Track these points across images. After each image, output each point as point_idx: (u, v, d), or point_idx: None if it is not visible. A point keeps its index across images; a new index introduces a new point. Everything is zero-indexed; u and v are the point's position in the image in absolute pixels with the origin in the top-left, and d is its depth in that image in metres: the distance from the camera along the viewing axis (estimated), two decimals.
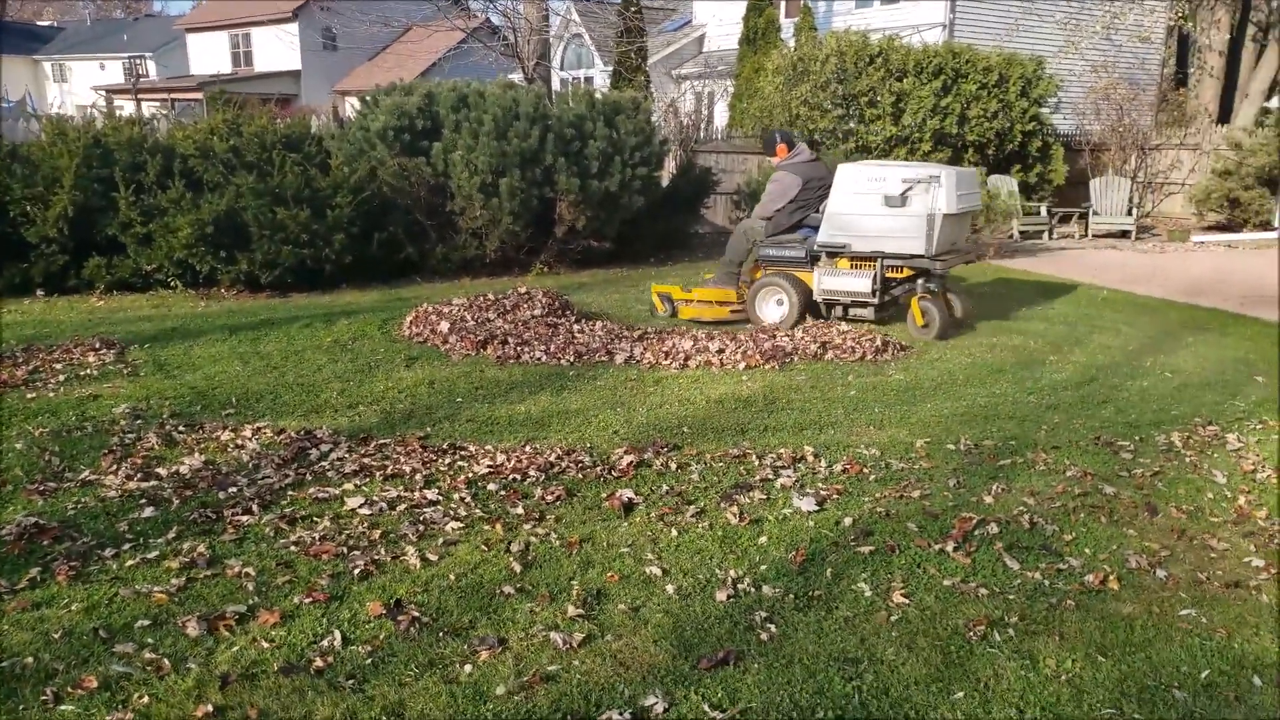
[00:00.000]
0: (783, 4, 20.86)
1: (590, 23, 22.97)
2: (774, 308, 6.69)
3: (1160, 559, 3.22)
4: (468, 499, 3.60)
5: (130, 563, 3.03)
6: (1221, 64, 16.65)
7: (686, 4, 25.79)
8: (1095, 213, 13.28)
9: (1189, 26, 18.43)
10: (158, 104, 25.79)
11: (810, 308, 6.65)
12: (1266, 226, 12.42)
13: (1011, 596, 2.95)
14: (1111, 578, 3.07)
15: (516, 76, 14.07)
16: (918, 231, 6.17)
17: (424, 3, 15.68)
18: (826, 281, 6.51)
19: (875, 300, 6.46)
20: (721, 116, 19.30)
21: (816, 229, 6.63)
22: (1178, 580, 3.08)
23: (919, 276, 6.44)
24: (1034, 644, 2.69)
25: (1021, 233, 12.73)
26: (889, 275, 6.52)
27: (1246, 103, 16.53)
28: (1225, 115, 16.77)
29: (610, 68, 20.16)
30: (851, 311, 6.66)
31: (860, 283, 6.42)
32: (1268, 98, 16.70)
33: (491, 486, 3.72)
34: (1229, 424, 4.67)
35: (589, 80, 23.18)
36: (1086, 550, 3.28)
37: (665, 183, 11.38)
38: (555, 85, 16.47)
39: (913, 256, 6.28)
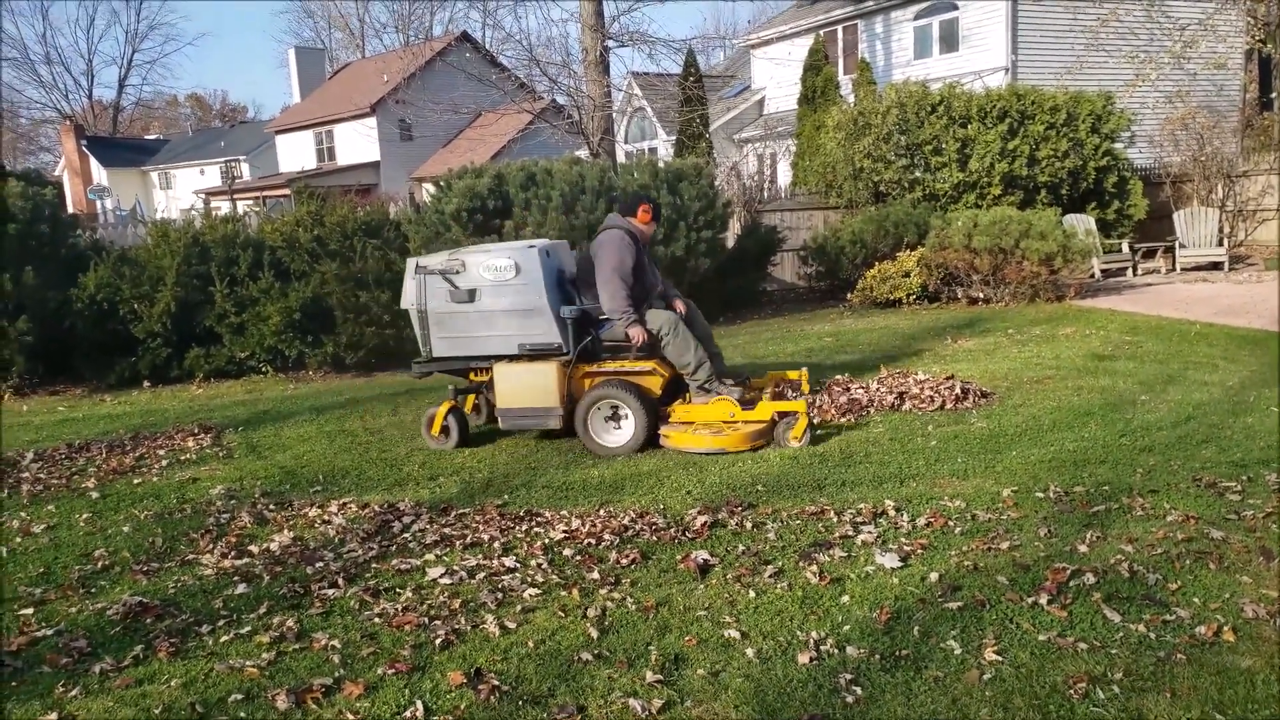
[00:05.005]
0: (840, 61, 21.08)
1: (651, 95, 23.58)
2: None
3: None
4: (544, 565, 3.62)
5: (225, 638, 3.13)
6: None
7: (745, 69, 26.30)
8: (1182, 245, 12.80)
9: (1269, 49, 17.82)
10: (251, 202, 27.43)
11: None
12: None
13: (1114, 651, 2.79)
14: (1226, 629, 2.87)
15: (583, 152, 14.52)
16: None
17: (492, 89, 16.39)
18: None
19: None
20: (784, 176, 19.46)
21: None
22: None
23: None
24: (1142, 702, 2.52)
25: (1103, 271, 12.34)
26: None
27: None
28: None
29: (673, 137, 20.61)
30: None
31: None
32: None
33: (567, 552, 3.74)
34: None
35: (653, 151, 23.74)
36: (1195, 600, 3.08)
37: (730, 244, 11.48)
38: (620, 158, 16.89)
39: None
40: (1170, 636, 2.85)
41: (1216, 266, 12.51)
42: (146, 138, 50.51)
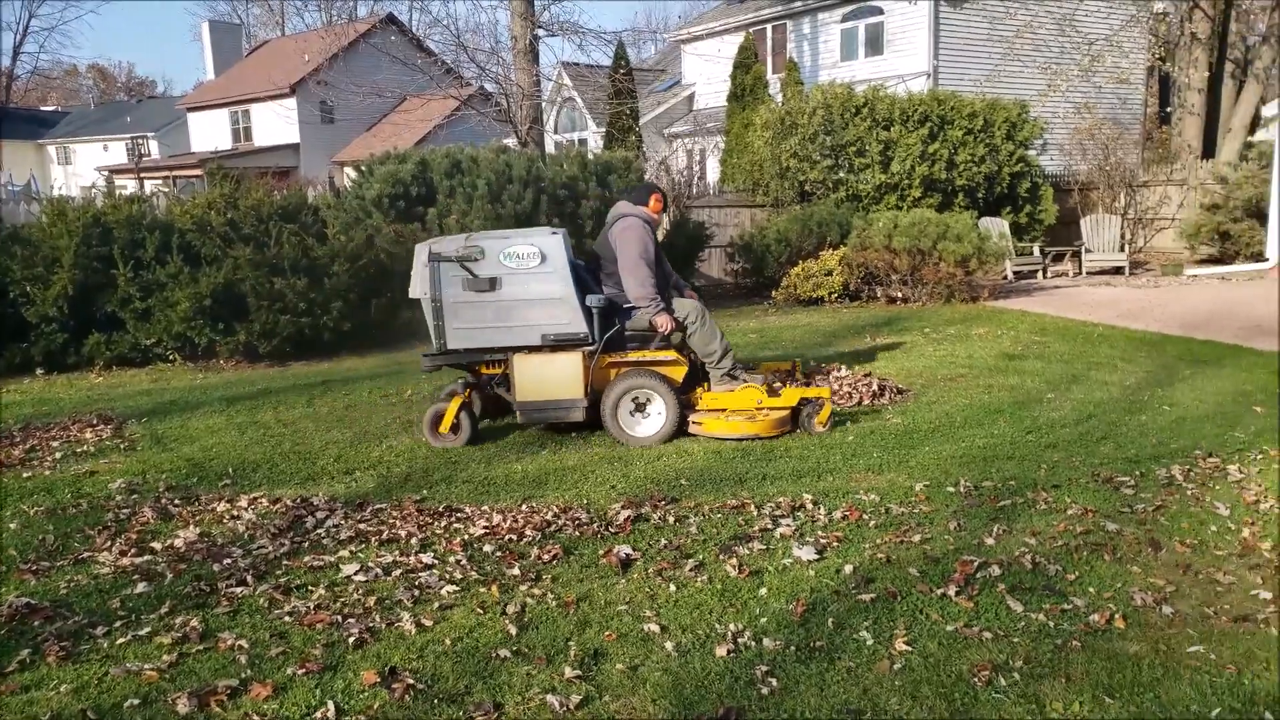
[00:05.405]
0: (769, 60, 21.34)
1: (582, 86, 23.46)
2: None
3: (1166, 595, 3.17)
4: (463, 561, 3.57)
5: (121, 640, 2.98)
6: (1202, 101, 16.94)
7: (676, 64, 26.38)
8: (1088, 250, 13.39)
9: (1168, 67, 18.79)
10: (160, 182, 26.26)
11: None
12: (1259, 257, 12.50)
13: (1016, 639, 2.90)
14: (1117, 616, 3.01)
15: (510, 141, 14.34)
16: None
17: (418, 73, 16.04)
18: None
19: None
20: (713, 172, 19.61)
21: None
22: (1184, 616, 3.03)
23: None
24: (1040, 687, 2.63)
25: (1015, 273, 12.82)
26: None
27: (1230, 137, 16.77)
28: (1210, 150, 17.00)
29: (603, 129, 20.54)
30: None
31: None
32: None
33: (488, 548, 3.69)
34: (1229, 455, 4.63)
35: (582, 142, 23.60)
36: (1091, 589, 3.23)
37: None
38: (549, 148, 16.75)
39: None
40: (1067, 625, 2.98)
41: (1119, 271, 13.13)
42: (43, 109, 47.70)
